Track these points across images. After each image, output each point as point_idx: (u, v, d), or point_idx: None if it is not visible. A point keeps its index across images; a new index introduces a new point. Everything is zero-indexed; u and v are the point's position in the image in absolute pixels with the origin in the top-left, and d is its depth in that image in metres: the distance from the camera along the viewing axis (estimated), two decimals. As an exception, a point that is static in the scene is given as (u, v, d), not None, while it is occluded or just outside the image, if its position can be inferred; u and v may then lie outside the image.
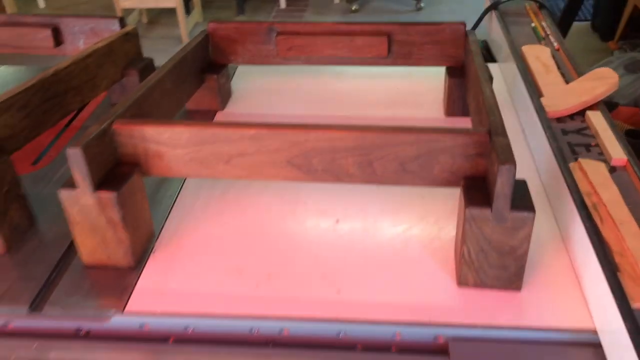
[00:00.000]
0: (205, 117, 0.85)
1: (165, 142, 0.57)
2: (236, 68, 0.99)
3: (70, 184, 0.55)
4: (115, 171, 0.57)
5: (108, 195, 0.54)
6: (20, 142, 0.65)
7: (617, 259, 0.50)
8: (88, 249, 0.58)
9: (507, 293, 0.54)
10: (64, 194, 0.55)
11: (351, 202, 0.67)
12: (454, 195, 0.56)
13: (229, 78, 0.90)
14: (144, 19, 3.66)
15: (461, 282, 0.55)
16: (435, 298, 0.54)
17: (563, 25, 1.85)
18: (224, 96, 0.87)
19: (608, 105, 0.73)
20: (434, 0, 3.84)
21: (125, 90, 0.87)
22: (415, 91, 0.90)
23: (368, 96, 0.89)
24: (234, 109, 0.87)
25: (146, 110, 0.64)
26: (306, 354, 0.52)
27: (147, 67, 0.88)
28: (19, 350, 0.53)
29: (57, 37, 0.88)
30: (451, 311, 0.53)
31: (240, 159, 0.57)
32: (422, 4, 3.71)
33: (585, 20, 3.13)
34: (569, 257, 0.57)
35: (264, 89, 0.93)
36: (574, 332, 0.50)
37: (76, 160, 0.52)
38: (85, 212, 0.55)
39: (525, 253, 0.52)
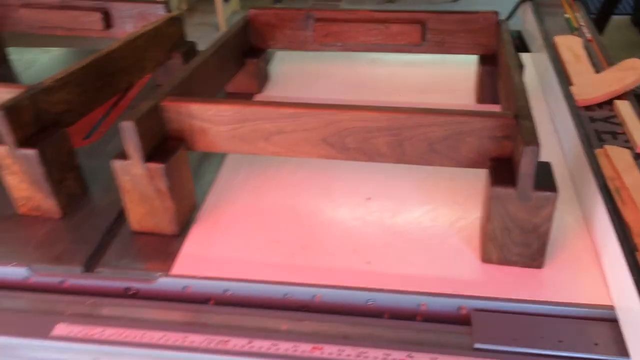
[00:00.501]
0: (243, 99, 0.89)
1: (210, 119, 0.61)
2: (274, 53, 1.03)
3: (123, 155, 0.59)
4: (163, 145, 0.62)
5: (157, 167, 0.59)
6: (75, 117, 0.70)
7: (637, 239, 0.52)
8: (137, 216, 0.63)
9: (529, 270, 0.57)
10: (117, 164, 0.59)
11: (381, 182, 0.70)
12: (480, 178, 0.59)
13: (267, 62, 0.94)
14: (184, 6, 3.73)
15: (485, 258, 0.58)
16: (460, 272, 0.57)
17: (601, 19, 1.84)
18: (262, 80, 0.91)
19: (638, 97, 0.74)
20: (471, -9, 3.81)
21: (170, 72, 0.91)
22: (447, 79, 0.92)
23: (401, 83, 0.92)
24: (271, 93, 0.91)
25: (190, 90, 0.69)
26: (336, 320, 0.56)
27: (191, 50, 0.92)
28: (75, 306, 0.58)
29: (107, 21, 0.93)
30: (474, 285, 0.56)
31: (279, 136, 0.61)
32: (458, -5, 3.69)
33: (627, 14, 3.07)
34: (590, 237, 0.60)
35: (299, 74, 0.96)
36: (592, 308, 0.53)
37: (129, 133, 0.57)
38: (135, 182, 0.60)
39: (548, 231, 0.54)
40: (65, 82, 0.67)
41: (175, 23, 0.90)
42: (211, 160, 0.75)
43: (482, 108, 0.83)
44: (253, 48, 0.90)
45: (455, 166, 0.58)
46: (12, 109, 0.60)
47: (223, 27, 3.41)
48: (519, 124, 0.53)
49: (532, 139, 0.50)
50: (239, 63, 0.86)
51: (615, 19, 2.22)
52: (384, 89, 0.90)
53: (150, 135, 0.59)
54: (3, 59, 1.04)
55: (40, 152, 0.62)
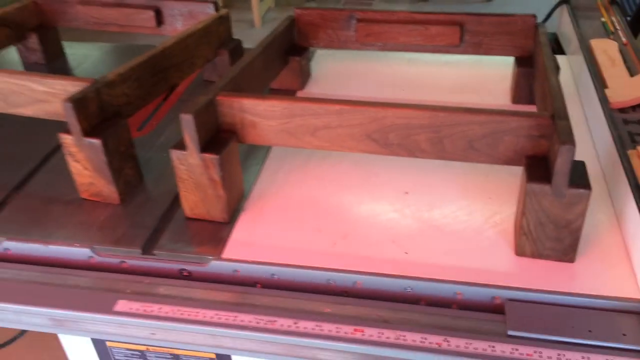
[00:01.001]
0: (292, 96, 0.92)
1: (260, 114, 0.65)
2: (314, 51, 1.06)
3: (180, 146, 0.64)
4: (216, 137, 0.66)
5: (211, 157, 0.63)
6: (133, 110, 0.75)
7: (667, 237, 0.55)
8: (190, 203, 0.67)
9: (561, 264, 0.60)
10: (175, 154, 0.64)
11: (418, 176, 0.74)
12: (514, 175, 0.62)
13: (309, 60, 0.98)
14: (220, 2, 3.80)
15: (519, 252, 0.61)
16: (494, 264, 0.61)
17: (637, 21, 1.82)
18: (304, 77, 0.95)
19: None
20: (504, -10, 3.79)
21: (217, 68, 0.96)
22: (482, 79, 0.95)
23: (438, 82, 0.95)
24: (312, 90, 0.95)
25: (241, 87, 0.73)
26: (376, 305, 0.59)
27: (237, 47, 0.97)
28: (134, 285, 0.63)
29: (159, 18, 0.98)
30: (508, 276, 0.59)
31: (325, 131, 0.65)
32: (492, -5, 3.67)
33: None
34: (620, 234, 0.62)
35: (339, 72, 1.00)
36: (621, 301, 0.55)
37: (188, 125, 0.61)
38: (191, 171, 0.65)
39: (580, 227, 0.57)
40: (125, 77, 0.72)
41: (223, 22, 0.94)
42: (256, 153, 0.80)
43: (518, 108, 0.86)
44: (296, 46, 0.94)
45: (493, 163, 0.62)
46: (79, 101, 0.65)
47: (258, 24, 3.46)
48: (556, 124, 0.56)
49: (568, 139, 0.53)
50: (284, 61, 0.90)
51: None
52: (421, 89, 0.93)
53: (205, 127, 0.64)
54: (60, 53, 1.10)
55: (104, 141, 0.67)
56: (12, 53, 1.11)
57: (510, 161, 0.61)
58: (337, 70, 1.00)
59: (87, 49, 1.13)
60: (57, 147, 0.84)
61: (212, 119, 0.65)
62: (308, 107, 0.64)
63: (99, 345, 0.99)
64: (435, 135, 0.61)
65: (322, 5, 3.78)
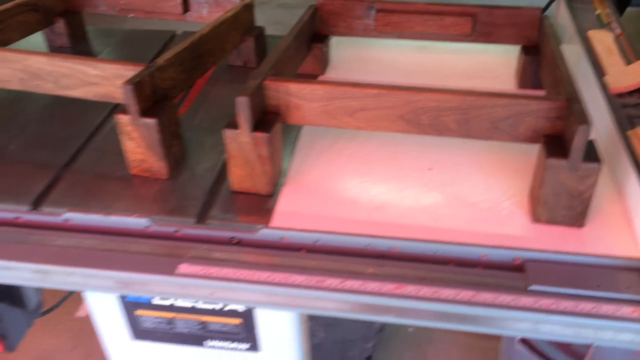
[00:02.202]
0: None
1: (304, 97, 0.72)
2: (330, 39, 1.13)
3: (232, 125, 0.70)
4: (263, 118, 0.73)
5: (261, 136, 0.70)
6: (177, 92, 0.81)
7: (664, 204, 0.64)
8: (238, 178, 0.74)
9: (573, 228, 0.68)
10: (228, 133, 0.70)
11: (440, 155, 0.81)
12: (525, 153, 0.70)
13: (329, 48, 1.04)
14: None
15: (535, 218, 0.69)
16: (514, 230, 0.69)
17: (621, 2, 1.93)
18: (324, 63, 1.01)
19: None
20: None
21: (242, 53, 1.02)
22: (489, 66, 1.03)
23: (447, 69, 1.02)
24: (332, 75, 1.02)
25: (278, 72, 0.79)
26: (410, 266, 0.67)
27: (260, 34, 1.03)
28: (192, 250, 0.70)
29: (185, 5, 1.03)
30: (527, 240, 0.67)
31: (362, 112, 0.72)
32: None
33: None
34: (622, 203, 0.71)
35: (355, 59, 1.07)
36: (625, 259, 0.64)
37: (242, 106, 0.68)
38: (242, 148, 0.71)
39: (591, 197, 0.66)
40: (172, 62, 0.78)
41: (248, 9, 1.00)
42: (289, 133, 0.86)
43: (526, 93, 0.94)
44: (317, 34, 1.00)
45: (513, 141, 0.70)
46: (138, 84, 0.71)
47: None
48: (571, 107, 0.64)
49: (584, 119, 0.61)
50: (308, 48, 0.96)
51: (631, 10, 2.30)
52: (433, 75, 1.01)
53: (255, 109, 0.70)
54: (84, 37, 1.14)
55: (159, 121, 0.73)
56: (36, 37, 1.15)
57: (529, 139, 0.69)
58: (352, 57, 1.07)
59: (109, 34, 1.18)
60: (99, 127, 0.89)
61: (260, 102, 0.72)
62: (348, 91, 0.71)
63: (129, 314, 1.06)
64: (463, 116, 0.69)
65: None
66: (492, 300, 0.62)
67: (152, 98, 0.75)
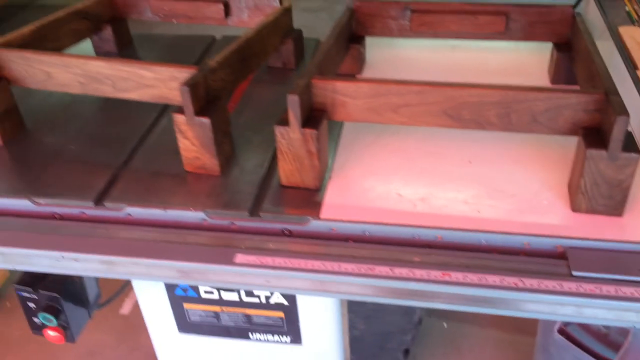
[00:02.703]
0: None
1: (350, 94, 0.76)
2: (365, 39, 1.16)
3: (283, 122, 0.74)
4: (311, 115, 0.77)
5: (311, 132, 0.74)
6: (227, 93, 0.85)
7: (702, 192, 0.66)
8: (287, 173, 0.78)
9: (612, 217, 0.71)
10: (278, 130, 0.74)
11: (478, 149, 0.85)
12: (561, 146, 0.73)
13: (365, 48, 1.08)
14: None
15: (575, 208, 0.72)
16: (555, 219, 0.72)
17: None
18: (361, 62, 1.05)
19: None
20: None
21: (281, 55, 1.06)
22: (520, 63, 1.06)
23: (481, 66, 1.05)
24: (369, 74, 1.06)
25: (323, 71, 0.83)
26: (455, 255, 0.71)
27: (299, 36, 1.07)
28: (247, 241, 0.74)
29: (227, 10, 1.08)
30: (568, 228, 0.70)
31: (406, 108, 0.75)
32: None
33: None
34: (661, 192, 0.74)
35: (390, 58, 1.10)
36: (664, 245, 0.67)
37: (293, 104, 0.72)
38: (292, 144, 0.75)
39: (629, 186, 0.68)
40: (222, 64, 0.82)
41: (287, 13, 1.04)
42: (331, 130, 0.90)
43: (563, 87, 0.97)
44: (354, 35, 1.04)
45: (552, 134, 0.73)
46: (193, 86, 0.75)
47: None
48: (610, 99, 0.67)
49: (623, 111, 0.64)
50: (346, 48, 1.00)
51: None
52: (466, 72, 1.04)
53: (304, 106, 0.74)
54: (129, 43, 1.19)
55: (212, 120, 0.77)
56: (83, 43, 1.20)
57: (567, 132, 0.72)
58: (387, 57, 1.11)
59: (152, 39, 1.23)
60: (151, 128, 0.94)
61: (308, 100, 0.76)
62: (392, 88, 0.74)
63: (177, 307, 1.11)
64: (504, 110, 0.72)
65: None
66: (537, 286, 0.66)
67: (205, 99, 0.79)
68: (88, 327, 1.63)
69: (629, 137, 0.68)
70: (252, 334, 1.13)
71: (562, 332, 0.96)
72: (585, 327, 0.94)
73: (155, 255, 0.73)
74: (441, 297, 0.68)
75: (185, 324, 1.14)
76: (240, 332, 1.13)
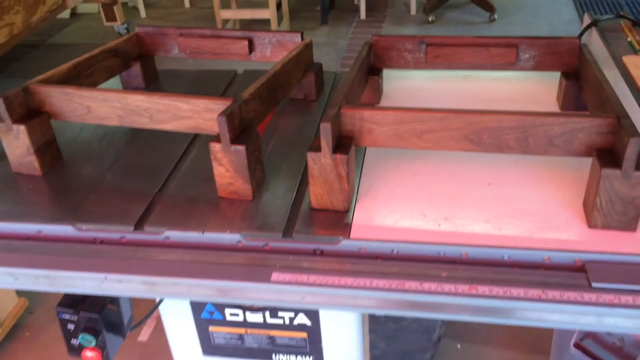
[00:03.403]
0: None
1: (376, 122, 0.81)
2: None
3: (315, 148, 0.79)
4: (340, 142, 0.82)
5: (342, 157, 0.79)
6: (257, 123, 0.90)
7: None
8: (317, 196, 0.83)
9: (627, 232, 0.75)
10: (310, 155, 0.79)
11: (497, 171, 0.89)
12: (574, 167, 0.77)
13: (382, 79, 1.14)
14: (237, 27, 3.98)
15: (591, 224, 0.76)
16: (573, 235, 0.76)
17: None
18: (379, 93, 1.11)
19: None
20: (506, 12, 4.01)
21: (303, 87, 1.12)
22: (530, 92, 1.12)
23: (493, 95, 1.11)
24: (387, 104, 1.11)
25: (347, 102, 0.89)
26: (479, 270, 0.75)
27: (319, 70, 1.13)
28: (281, 261, 0.78)
29: (251, 47, 1.14)
30: (586, 243, 0.75)
31: (429, 134, 0.81)
32: (495, 16, 3.88)
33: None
34: (672, 208, 0.78)
35: (405, 88, 1.16)
36: (678, 258, 0.71)
37: (325, 131, 0.77)
38: (323, 169, 0.80)
39: (642, 202, 0.73)
40: (254, 96, 0.88)
41: (308, 48, 1.11)
42: (356, 153, 0.95)
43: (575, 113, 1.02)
44: (372, 67, 1.10)
45: (568, 156, 0.78)
46: (230, 116, 0.81)
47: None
48: (622, 123, 0.72)
49: (635, 133, 0.69)
50: (366, 80, 1.06)
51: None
52: (479, 101, 1.09)
53: (334, 134, 0.79)
54: (155, 78, 1.25)
55: (247, 147, 0.82)
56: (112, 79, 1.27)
57: (582, 153, 0.77)
58: (402, 87, 1.17)
59: (177, 75, 1.30)
60: (182, 156, 0.99)
61: (337, 127, 0.81)
62: (417, 115, 0.80)
63: (202, 330, 1.14)
64: (522, 134, 0.77)
65: (333, 29, 3.99)
66: (559, 297, 0.69)
67: (240, 128, 0.84)
68: (109, 356, 1.65)
69: (639, 157, 0.73)
70: (275, 355, 1.16)
71: (578, 346, 1.00)
72: (600, 341, 0.97)
73: (195, 275, 0.78)
74: (468, 310, 0.72)
75: (209, 347, 1.17)
76: (263, 353, 1.16)
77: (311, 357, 1.15)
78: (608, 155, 0.74)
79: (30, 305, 1.83)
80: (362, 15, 4.07)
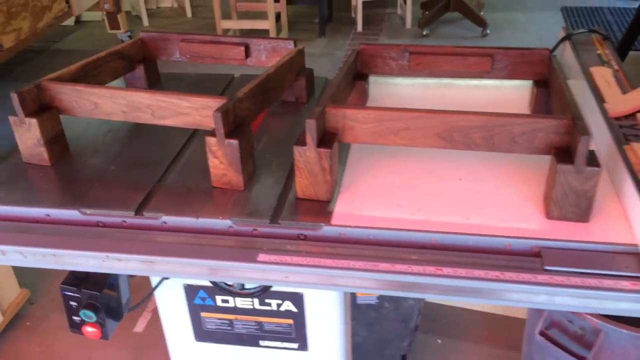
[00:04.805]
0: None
1: (358, 120, 0.90)
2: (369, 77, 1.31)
3: (301, 142, 0.87)
4: (324, 137, 0.90)
5: (325, 151, 0.87)
6: (250, 120, 0.99)
7: (653, 200, 0.79)
8: (303, 187, 0.91)
9: (580, 223, 0.83)
10: (297, 149, 0.88)
11: (468, 168, 0.98)
12: (536, 164, 0.86)
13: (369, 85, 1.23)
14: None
15: (549, 215, 0.85)
16: (532, 224, 0.84)
17: (620, 54, 2.12)
18: (365, 97, 1.19)
19: None
20: (498, 27, 4.12)
21: (294, 90, 1.20)
22: (504, 98, 1.20)
23: (470, 101, 1.20)
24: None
25: (335, 102, 0.97)
26: (447, 254, 0.83)
27: (310, 75, 1.22)
28: (267, 244, 0.86)
29: (247, 52, 1.23)
30: (543, 232, 0.83)
31: (406, 132, 0.89)
32: (487, 31, 3.99)
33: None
34: (619, 202, 0.86)
35: (389, 94, 1.24)
36: (623, 246, 0.79)
37: (310, 127, 0.85)
38: (307, 162, 0.88)
39: (594, 196, 0.81)
40: (248, 95, 0.96)
41: (301, 54, 1.19)
42: (340, 149, 1.03)
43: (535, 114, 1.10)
44: (359, 73, 1.19)
45: (529, 153, 0.86)
46: (225, 112, 0.89)
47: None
48: (576, 123, 0.80)
49: (586, 132, 0.77)
50: (352, 84, 1.15)
51: (636, 54, 2.50)
52: (458, 106, 1.16)
53: (319, 130, 0.88)
54: (158, 80, 1.34)
55: (240, 142, 0.90)
56: (116, 80, 1.35)
57: (542, 151, 0.85)
58: (387, 92, 1.25)
59: (178, 78, 1.38)
60: (181, 150, 1.07)
61: (322, 124, 0.89)
62: (394, 114, 0.88)
63: (194, 316, 1.22)
64: (488, 133, 0.85)
65: (331, 41, 4.09)
66: (516, 278, 0.77)
67: (234, 124, 0.92)
68: (104, 344, 1.73)
69: (592, 154, 0.81)
70: (262, 341, 1.23)
71: (542, 334, 1.07)
72: (564, 330, 1.04)
73: (189, 255, 0.85)
74: (435, 289, 0.80)
75: (201, 332, 1.24)
76: (252, 339, 1.23)
77: (297, 344, 1.23)
78: (564, 153, 0.82)
79: (31, 296, 1.90)
80: (359, 27, 4.18)
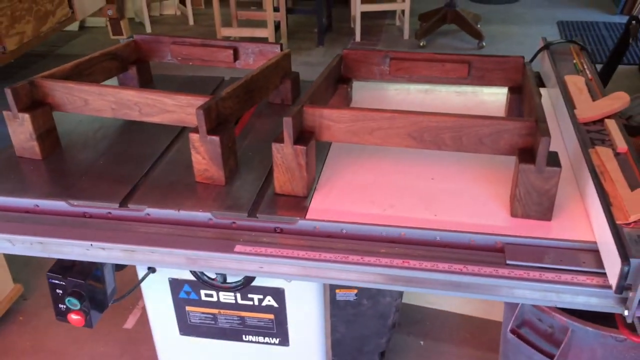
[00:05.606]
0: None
1: (334, 119, 0.94)
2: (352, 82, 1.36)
3: (278, 140, 0.92)
4: (301, 136, 0.94)
5: (301, 148, 0.91)
6: (234, 118, 1.03)
7: (611, 200, 0.83)
8: (280, 182, 0.95)
9: (542, 221, 0.87)
10: (275, 146, 0.92)
11: (440, 169, 1.02)
12: (504, 165, 0.90)
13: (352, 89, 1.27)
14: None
15: (513, 213, 0.88)
16: (496, 222, 0.88)
17: (609, 68, 2.16)
18: (348, 100, 1.24)
19: (629, 129, 1.04)
20: (495, 40, 4.17)
21: (280, 93, 1.25)
22: (481, 103, 1.24)
23: (448, 106, 1.24)
24: (354, 111, 1.24)
25: (314, 103, 1.01)
26: (414, 248, 0.86)
27: (296, 78, 1.26)
28: (245, 236, 0.90)
29: (235, 55, 1.28)
30: (506, 229, 0.87)
31: (379, 131, 0.93)
32: (483, 44, 4.04)
33: (634, 64, 3.41)
34: (582, 201, 0.90)
35: (372, 99, 1.29)
36: (583, 243, 0.83)
37: (287, 124, 0.89)
38: (285, 158, 0.92)
39: (555, 194, 0.85)
40: (231, 95, 1.01)
41: (286, 58, 1.24)
42: (321, 149, 1.07)
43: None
44: (342, 77, 1.23)
45: (496, 154, 0.90)
46: (207, 109, 0.93)
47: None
48: (538, 126, 0.84)
49: (546, 133, 0.81)
50: (335, 88, 1.19)
51: (623, 67, 2.54)
52: (436, 110, 1.21)
53: (296, 128, 0.92)
54: (150, 81, 1.38)
55: (221, 138, 0.94)
56: (110, 81, 1.40)
57: (507, 152, 0.89)
58: (370, 97, 1.30)
59: (169, 79, 1.43)
60: (168, 148, 1.12)
61: (299, 122, 0.94)
62: (368, 114, 0.92)
63: (179, 310, 1.25)
64: (456, 134, 0.90)
65: (329, 50, 4.15)
66: (478, 271, 0.81)
67: (216, 121, 0.97)
68: (94, 340, 1.76)
69: (553, 155, 0.85)
70: (245, 335, 1.27)
71: (513, 332, 1.10)
72: (534, 328, 1.08)
73: (169, 245, 0.89)
74: (402, 280, 0.84)
75: (186, 327, 1.28)
76: (235, 334, 1.27)
77: (277, 339, 1.26)
78: (527, 153, 0.86)
79: (25, 292, 1.94)
80: (357, 38, 4.24)
